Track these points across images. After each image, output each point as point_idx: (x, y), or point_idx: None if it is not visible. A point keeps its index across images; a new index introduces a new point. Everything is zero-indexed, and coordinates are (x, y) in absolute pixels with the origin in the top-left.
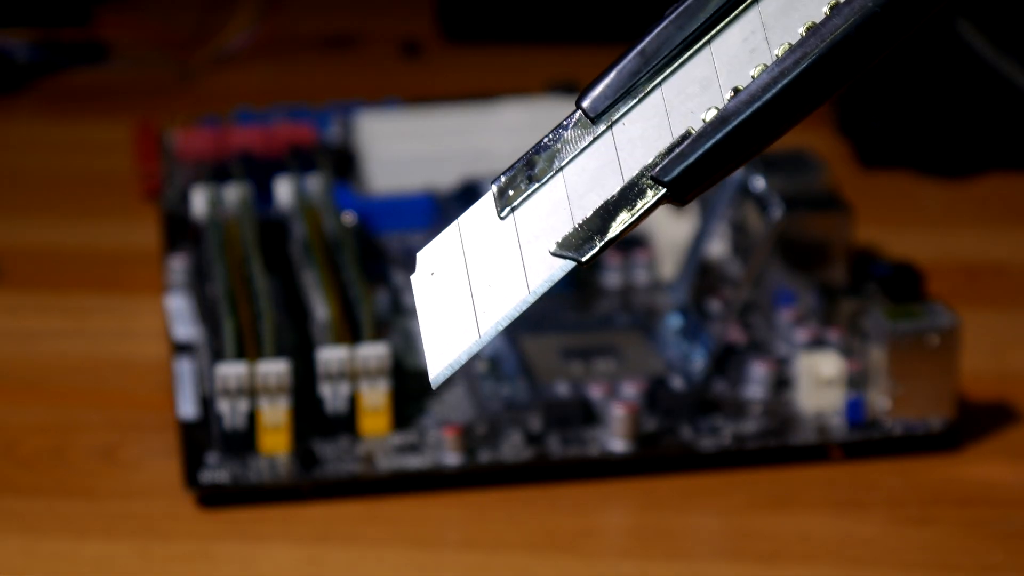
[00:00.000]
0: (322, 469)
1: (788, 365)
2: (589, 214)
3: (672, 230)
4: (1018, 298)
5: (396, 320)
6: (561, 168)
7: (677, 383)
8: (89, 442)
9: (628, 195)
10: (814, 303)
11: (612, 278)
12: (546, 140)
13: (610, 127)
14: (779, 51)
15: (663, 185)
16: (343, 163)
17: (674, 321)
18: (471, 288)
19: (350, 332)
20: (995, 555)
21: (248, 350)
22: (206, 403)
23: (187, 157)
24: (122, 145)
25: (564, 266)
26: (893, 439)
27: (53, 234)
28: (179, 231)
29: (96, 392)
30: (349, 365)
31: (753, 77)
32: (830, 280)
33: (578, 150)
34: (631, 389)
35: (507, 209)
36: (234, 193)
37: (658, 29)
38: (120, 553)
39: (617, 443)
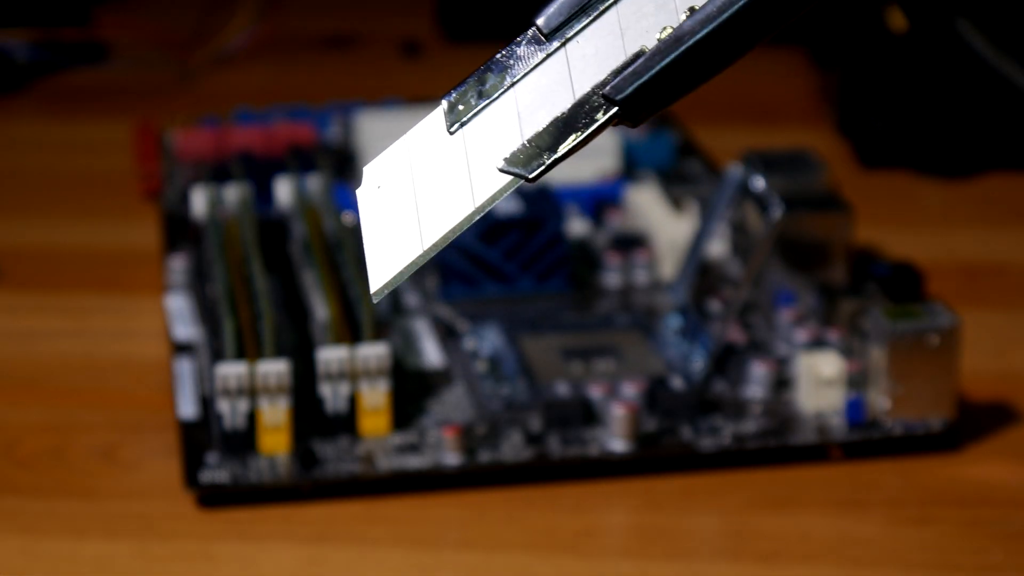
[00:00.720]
0: (322, 469)
1: (788, 365)
2: (539, 131)
3: (672, 230)
4: (1018, 298)
5: (396, 320)
6: (512, 84)
7: (677, 383)
8: (89, 442)
9: (579, 113)
10: (814, 303)
11: (612, 278)
12: (499, 57)
13: (563, 44)
14: None
15: (614, 104)
16: (343, 163)
17: (674, 321)
18: (416, 202)
19: (350, 332)
20: (995, 555)
21: (248, 350)
22: (206, 403)
23: (187, 157)
24: (122, 145)
25: (511, 182)
26: (893, 439)
27: (53, 234)
28: (179, 231)
29: (96, 392)
30: (349, 365)
31: None
32: (830, 280)
33: (530, 67)
34: (631, 389)
35: (456, 124)
36: (234, 193)
37: None
38: (120, 553)
39: (617, 443)
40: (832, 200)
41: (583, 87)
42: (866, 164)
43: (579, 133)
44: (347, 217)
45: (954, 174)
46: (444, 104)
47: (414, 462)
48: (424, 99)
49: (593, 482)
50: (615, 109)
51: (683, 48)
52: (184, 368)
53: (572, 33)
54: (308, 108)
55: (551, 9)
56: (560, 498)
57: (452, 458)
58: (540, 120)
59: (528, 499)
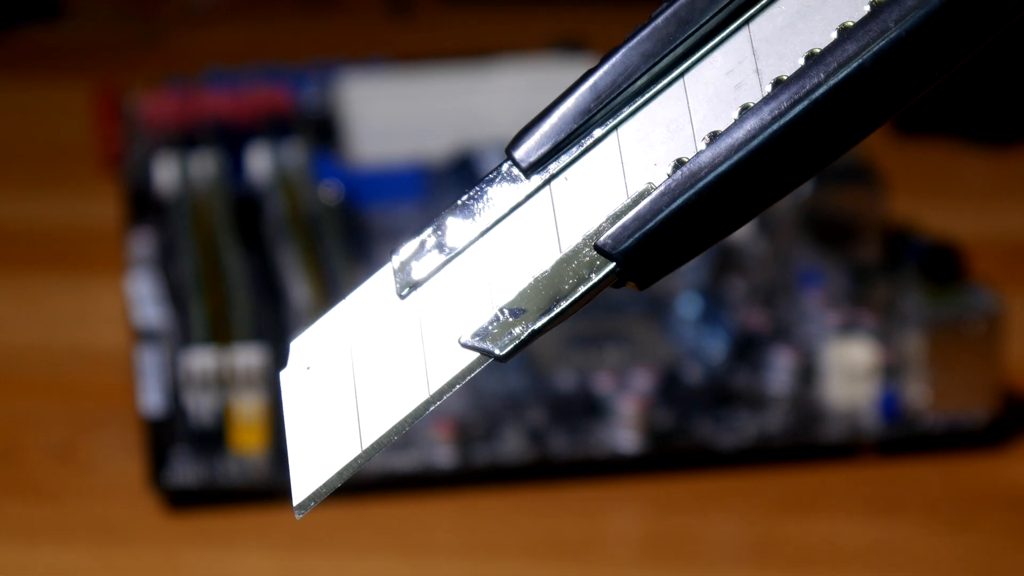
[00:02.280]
0: None
1: (816, 354)
2: (514, 295)
3: None
4: None
5: None
6: (481, 235)
7: (693, 374)
8: (43, 439)
9: (566, 271)
10: (845, 285)
11: None
12: (464, 199)
13: (547, 182)
14: (771, 86)
15: (611, 258)
16: (324, 130)
17: (690, 305)
18: (355, 387)
19: None
20: None
21: (219, 335)
22: (173, 395)
23: (151, 124)
24: (78, 110)
25: (476, 361)
26: (931, 436)
27: (2, 208)
28: (142, 205)
29: (50, 384)
30: None
31: (736, 120)
32: (862, 259)
33: (504, 211)
34: (642, 380)
35: (408, 287)
36: (203, 163)
37: (615, 58)
38: (77, 562)
39: (627, 440)
40: (864, 171)
41: (572, 238)
42: (903, 130)
43: (565, 300)
44: (328, 190)
45: (1000, 142)
46: (393, 261)
47: (403, 461)
48: (414, 59)
49: (600, 483)
50: (612, 265)
51: (700, 187)
52: (148, 357)
53: (559, 167)
54: (285, 69)
55: (532, 137)
56: (564, 501)
57: (445, 457)
58: (516, 281)
59: (529, 502)
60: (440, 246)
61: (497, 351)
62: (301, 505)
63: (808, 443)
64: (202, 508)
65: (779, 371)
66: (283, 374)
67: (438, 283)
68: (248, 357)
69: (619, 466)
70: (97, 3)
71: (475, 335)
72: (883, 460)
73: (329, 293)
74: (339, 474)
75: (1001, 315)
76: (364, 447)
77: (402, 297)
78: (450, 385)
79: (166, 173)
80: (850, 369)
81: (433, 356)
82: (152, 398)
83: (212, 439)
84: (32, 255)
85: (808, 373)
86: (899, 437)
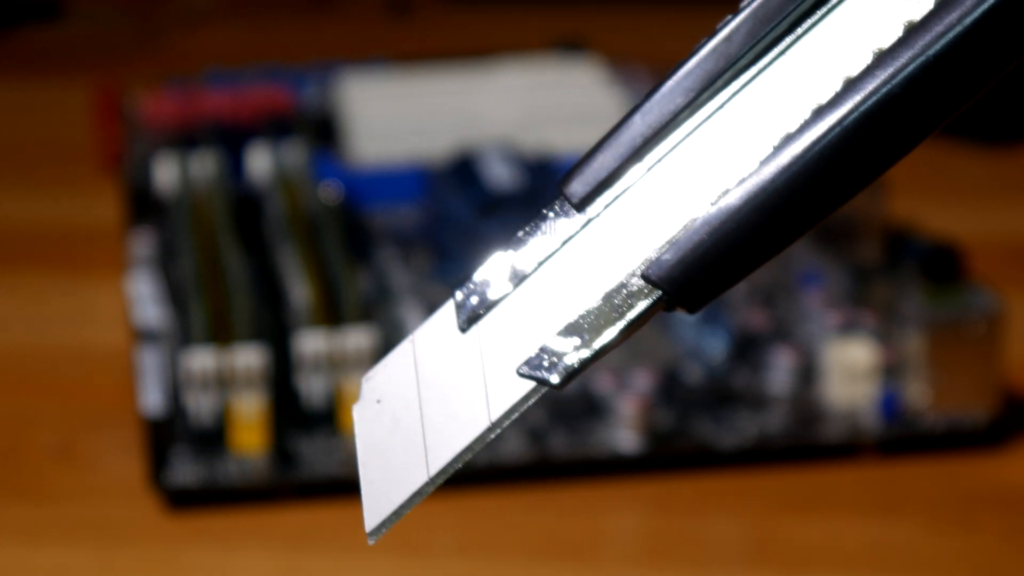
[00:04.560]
0: (300, 469)
1: (816, 354)
2: (566, 325)
3: None
4: None
5: (382, 303)
6: (536, 269)
7: (693, 374)
8: (43, 439)
9: (614, 301)
10: (845, 285)
11: None
12: (520, 234)
13: (598, 215)
14: (811, 114)
15: (657, 287)
16: (324, 130)
17: None
18: (422, 418)
19: (331, 316)
20: None
21: (219, 335)
22: (173, 395)
23: (151, 123)
24: (78, 110)
25: (533, 389)
26: (932, 436)
27: (2, 208)
28: (142, 205)
29: (50, 384)
30: (330, 353)
31: (777, 146)
32: (862, 259)
33: (557, 246)
34: (642, 380)
35: (468, 322)
36: (204, 163)
37: (659, 92)
38: (77, 561)
39: (627, 440)
40: None
41: (621, 268)
42: None
43: (616, 326)
44: (328, 190)
45: (1000, 142)
46: (456, 296)
47: None
48: (414, 59)
49: (600, 483)
50: (659, 294)
51: (743, 215)
52: (148, 357)
53: (609, 200)
54: (285, 69)
55: (583, 171)
56: (564, 501)
57: None
58: (568, 312)
59: (528, 502)
60: (498, 281)
61: (552, 379)
62: (373, 532)
63: (808, 443)
64: (202, 508)
65: (779, 371)
66: (355, 407)
67: (496, 317)
68: (248, 357)
69: (619, 466)
70: (97, 3)
71: (532, 365)
72: (883, 460)
73: (329, 293)
74: (408, 500)
75: (1001, 315)
76: (431, 474)
77: (463, 331)
78: (509, 413)
79: (166, 173)
80: (850, 369)
81: (493, 386)
82: (152, 398)
83: (212, 439)
84: (32, 255)
85: (808, 373)
86: (899, 437)
